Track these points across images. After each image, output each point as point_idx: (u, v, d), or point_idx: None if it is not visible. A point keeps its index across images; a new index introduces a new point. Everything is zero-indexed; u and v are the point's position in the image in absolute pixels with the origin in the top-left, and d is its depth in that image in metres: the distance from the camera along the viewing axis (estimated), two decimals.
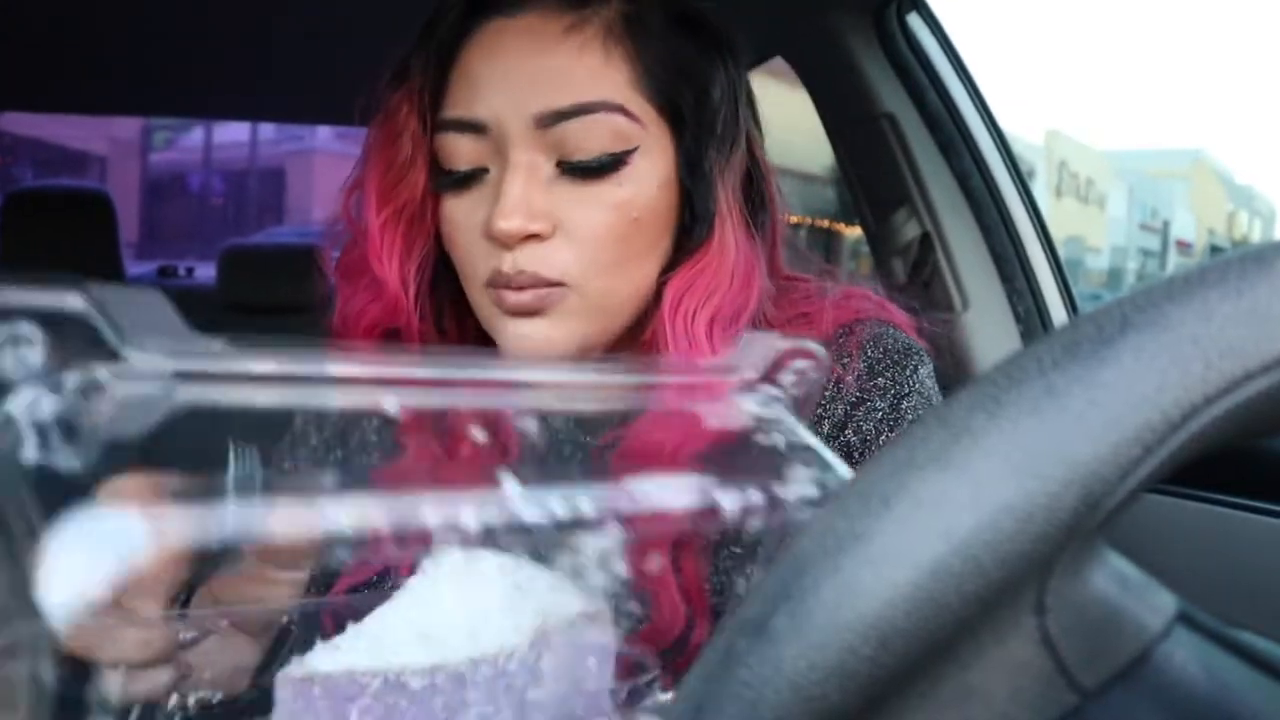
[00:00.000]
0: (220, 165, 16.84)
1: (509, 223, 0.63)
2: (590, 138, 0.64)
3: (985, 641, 0.27)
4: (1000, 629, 0.27)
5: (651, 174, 0.66)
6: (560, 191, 0.65)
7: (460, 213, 0.67)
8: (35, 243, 2.13)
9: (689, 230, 0.68)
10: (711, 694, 0.25)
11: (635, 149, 0.65)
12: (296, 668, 0.40)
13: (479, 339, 0.73)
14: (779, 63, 1.49)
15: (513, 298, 0.64)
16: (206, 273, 2.65)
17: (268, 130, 15.11)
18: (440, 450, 0.68)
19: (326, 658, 0.40)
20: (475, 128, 0.65)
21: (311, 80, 1.88)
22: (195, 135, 16.31)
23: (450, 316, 0.73)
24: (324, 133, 14.00)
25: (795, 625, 0.25)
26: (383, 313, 0.69)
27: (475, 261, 0.66)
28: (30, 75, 1.82)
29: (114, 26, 1.54)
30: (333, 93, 2.02)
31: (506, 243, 0.64)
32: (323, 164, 15.26)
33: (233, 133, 15.41)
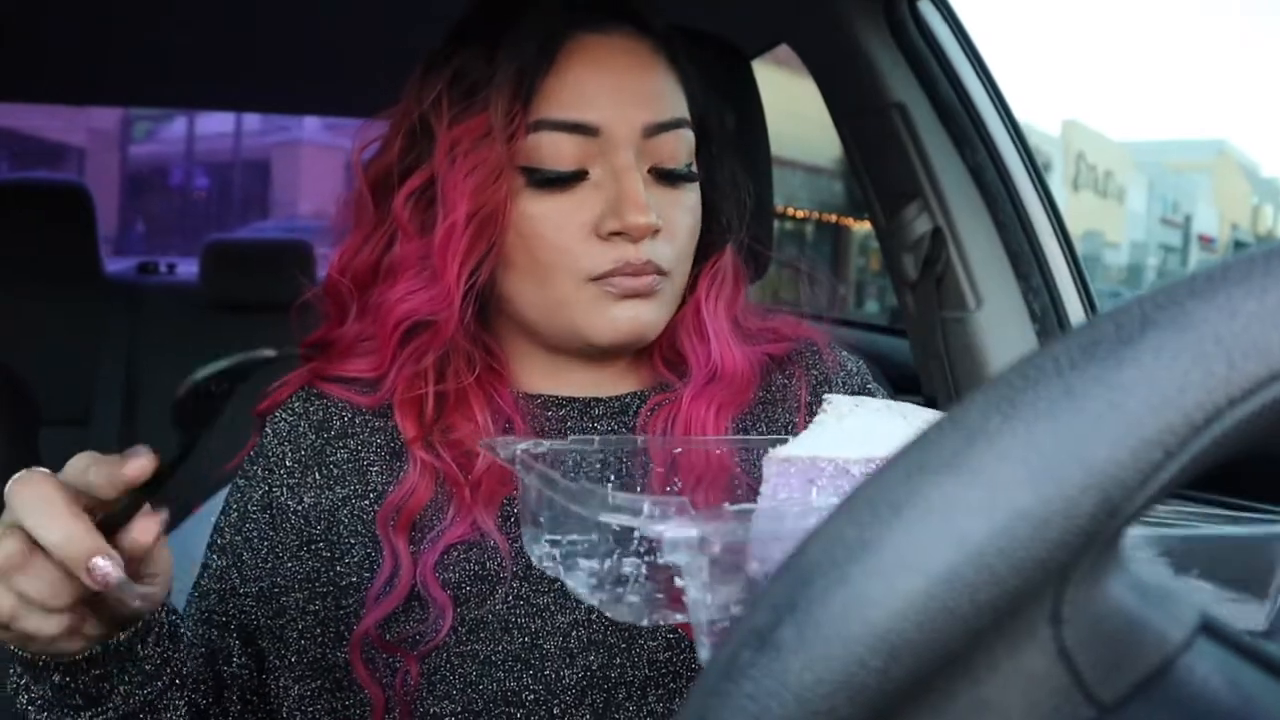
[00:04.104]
0: (203, 158, 16.79)
1: (646, 217, 0.72)
2: (678, 149, 0.76)
3: (999, 653, 0.27)
4: (1015, 640, 0.27)
5: (698, 184, 0.79)
6: (655, 195, 0.75)
7: (558, 214, 0.73)
8: (10, 238, 2.13)
9: (707, 234, 0.80)
10: (714, 707, 0.25)
11: (694, 163, 0.78)
12: (778, 452, 0.54)
13: (495, 350, 0.79)
14: (785, 51, 1.49)
15: (631, 282, 0.73)
16: (189, 269, 2.65)
17: (252, 121, 15.08)
18: (451, 465, 0.74)
19: (796, 447, 0.54)
20: (586, 130, 0.73)
21: (299, 69, 1.88)
22: (177, 126, 16.26)
23: (470, 333, 0.78)
24: (311, 124, 13.97)
25: (802, 636, 0.25)
26: (426, 302, 0.74)
27: (578, 258, 0.73)
28: (5, 64, 1.82)
29: (93, 13, 1.54)
30: (322, 82, 2.03)
31: (639, 236, 0.73)
32: (310, 156, 15.23)
33: (216, 124, 15.37)
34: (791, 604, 0.25)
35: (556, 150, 0.73)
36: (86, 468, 0.56)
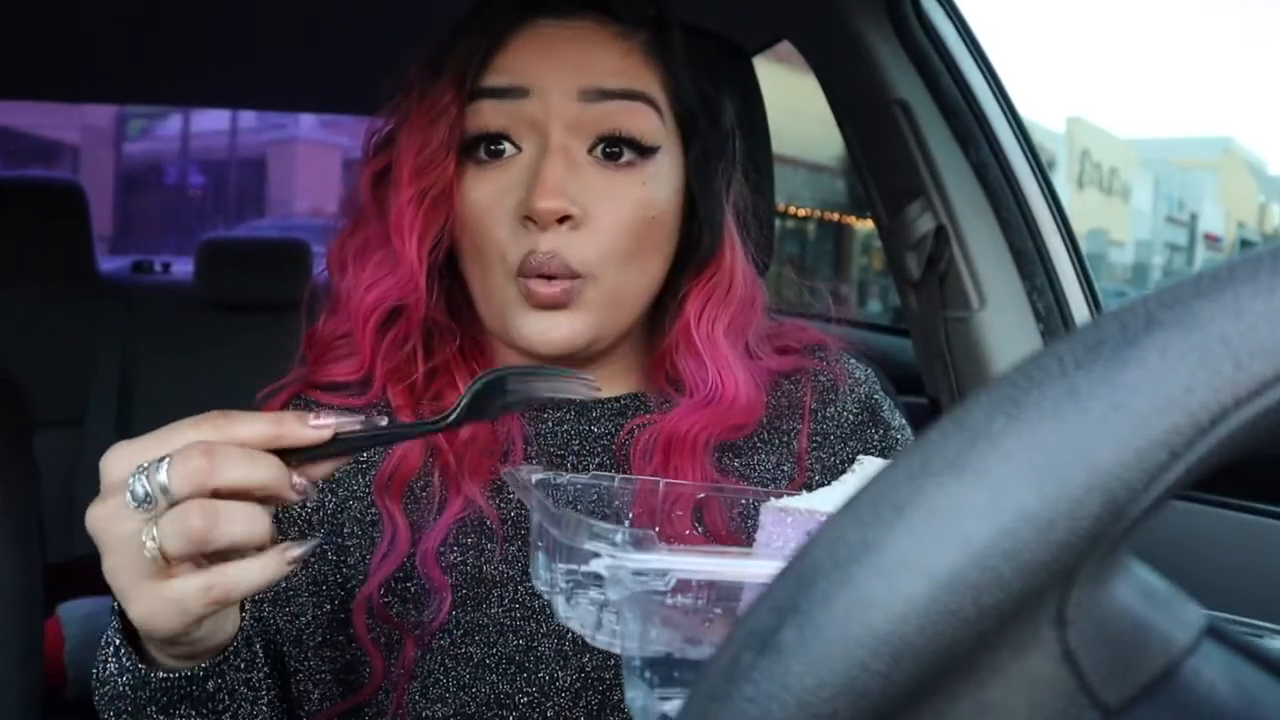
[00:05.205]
0: (198, 155, 16.79)
1: (551, 201, 0.68)
2: (628, 122, 0.72)
3: (1003, 656, 0.27)
4: (1019, 643, 0.27)
5: (668, 179, 0.75)
6: (590, 180, 0.71)
7: (489, 197, 0.72)
8: (3, 237, 2.12)
9: (697, 244, 0.78)
10: (715, 711, 0.25)
11: (659, 149, 0.74)
12: (778, 502, 0.55)
13: (470, 323, 0.79)
14: (786, 47, 1.49)
15: (544, 290, 0.70)
16: (184, 268, 2.65)
17: (248, 118, 15.09)
18: (440, 444, 0.74)
19: (799, 501, 0.54)
20: (516, 93, 0.71)
21: (296, 66, 1.88)
22: (172, 123, 16.24)
23: (448, 300, 0.78)
24: (307, 121, 13.98)
25: (804, 639, 0.25)
26: (393, 288, 0.74)
27: (504, 246, 0.71)
28: None
29: (88, 8, 1.54)
30: (318, 79, 2.03)
31: (544, 222, 0.69)
32: (306, 154, 15.23)
33: (211, 121, 15.37)
34: (793, 606, 0.25)
35: (488, 120, 0.72)
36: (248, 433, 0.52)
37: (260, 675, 0.63)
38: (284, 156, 15.93)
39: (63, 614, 1.64)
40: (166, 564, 0.50)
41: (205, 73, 1.98)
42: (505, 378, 0.57)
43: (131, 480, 0.50)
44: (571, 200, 0.69)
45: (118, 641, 0.58)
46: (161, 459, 0.50)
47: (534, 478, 0.58)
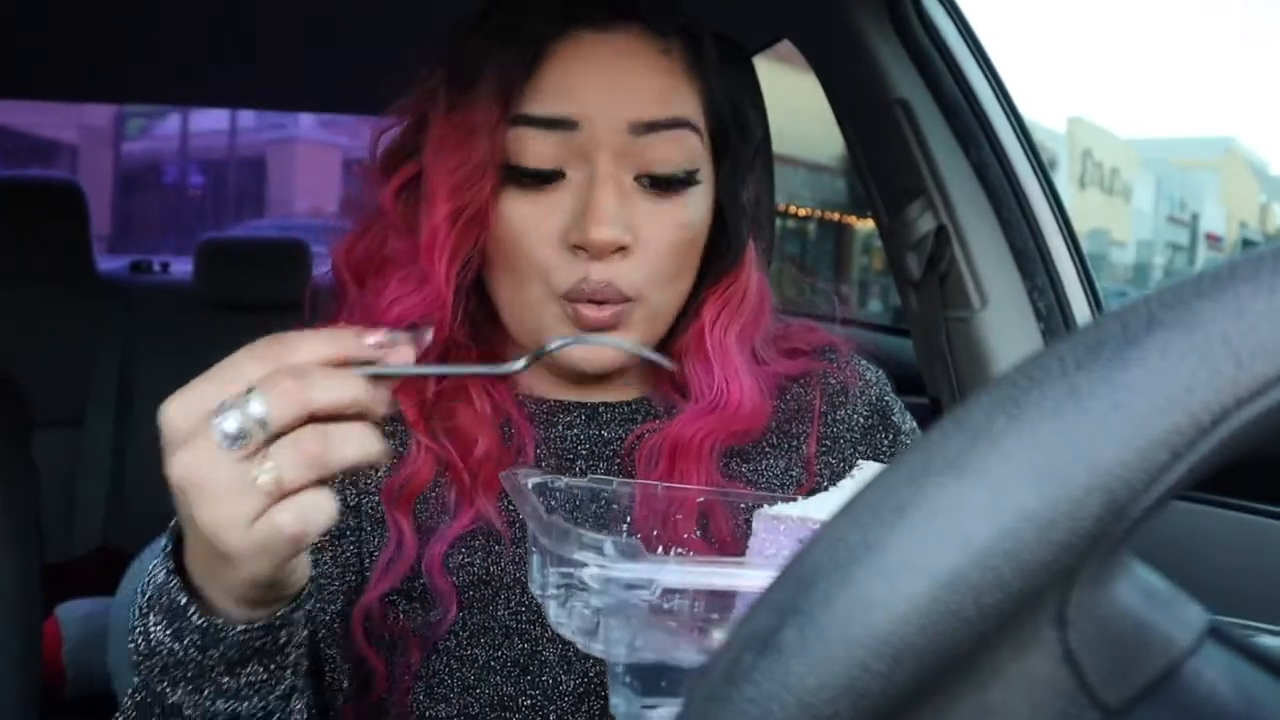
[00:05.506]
0: (197, 154, 16.79)
1: (607, 232, 0.68)
2: (674, 152, 0.71)
3: (1004, 657, 0.27)
4: (1020, 643, 0.27)
5: (705, 198, 0.75)
6: (636, 206, 0.71)
7: (532, 218, 0.71)
8: (2, 237, 2.12)
9: (721, 254, 0.78)
10: (715, 711, 0.25)
11: (698, 170, 0.74)
12: (770, 510, 0.56)
13: (495, 342, 0.78)
14: (787, 46, 1.49)
15: (595, 314, 0.70)
16: (183, 268, 2.65)
17: (247, 118, 15.09)
18: (450, 450, 0.74)
19: (792, 508, 0.56)
20: (565, 125, 0.70)
21: (296, 66, 1.88)
22: (171, 123, 16.23)
23: (472, 320, 0.77)
24: (306, 120, 13.98)
25: (804, 640, 0.25)
26: (417, 305, 0.73)
27: (549, 270, 0.71)
28: None
29: (88, 8, 1.54)
30: (318, 79, 2.03)
31: (599, 253, 0.69)
32: (306, 154, 15.23)
33: (211, 120, 15.37)
34: (794, 607, 0.25)
35: (534, 148, 0.70)
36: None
37: (305, 634, 0.61)
38: (283, 156, 15.93)
39: (61, 614, 1.64)
40: (280, 498, 0.47)
41: (205, 72, 1.98)
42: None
43: (219, 420, 0.47)
44: (624, 229, 0.69)
45: (183, 600, 0.55)
46: (247, 392, 0.48)
47: (530, 482, 0.58)
